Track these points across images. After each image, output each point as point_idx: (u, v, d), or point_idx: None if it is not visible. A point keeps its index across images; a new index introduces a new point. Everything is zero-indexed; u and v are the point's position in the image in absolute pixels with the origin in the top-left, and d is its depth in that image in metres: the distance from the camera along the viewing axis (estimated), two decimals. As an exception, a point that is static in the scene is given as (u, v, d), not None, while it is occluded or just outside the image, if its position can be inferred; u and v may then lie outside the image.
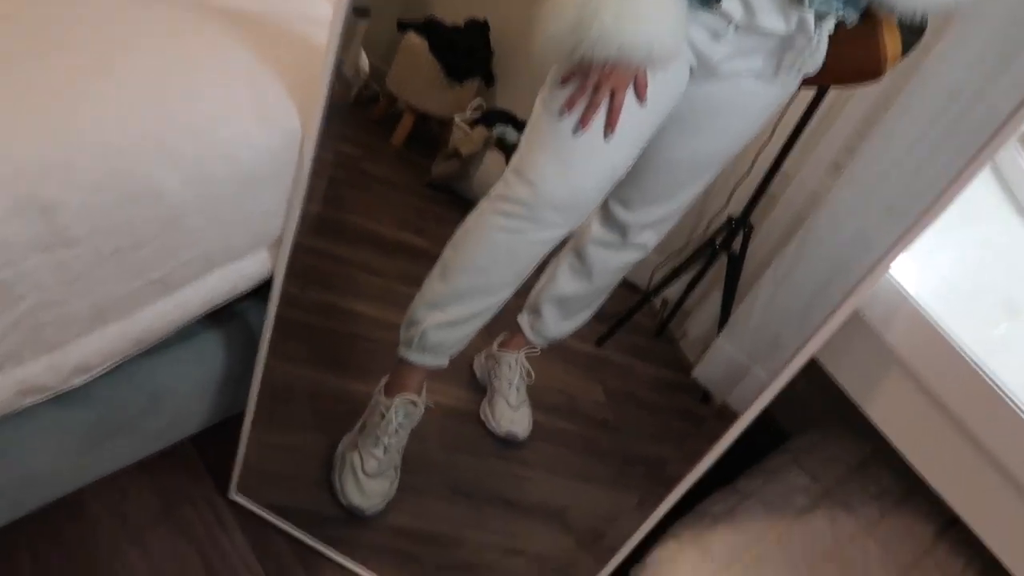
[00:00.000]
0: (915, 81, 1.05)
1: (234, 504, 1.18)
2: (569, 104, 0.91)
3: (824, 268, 1.20)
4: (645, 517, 0.98)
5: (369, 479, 1.18)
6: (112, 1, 0.82)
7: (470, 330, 1.15)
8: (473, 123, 1.53)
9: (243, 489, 1.18)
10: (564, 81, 0.92)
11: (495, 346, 1.38)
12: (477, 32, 1.51)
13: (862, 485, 1.11)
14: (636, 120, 0.94)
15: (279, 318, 1.01)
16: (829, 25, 0.93)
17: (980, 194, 1.30)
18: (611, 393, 1.49)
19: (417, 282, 1.39)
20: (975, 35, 0.99)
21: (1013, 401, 0.85)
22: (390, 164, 1.64)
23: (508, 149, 1.50)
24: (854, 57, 0.98)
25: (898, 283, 0.93)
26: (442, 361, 1.17)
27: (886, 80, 0.99)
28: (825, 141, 1.27)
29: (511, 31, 1.50)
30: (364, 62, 1.17)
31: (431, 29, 1.49)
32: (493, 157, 1.55)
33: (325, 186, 0.96)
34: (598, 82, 0.89)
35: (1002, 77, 0.90)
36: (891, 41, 0.95)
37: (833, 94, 1.18)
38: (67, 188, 0.67)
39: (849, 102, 1.22)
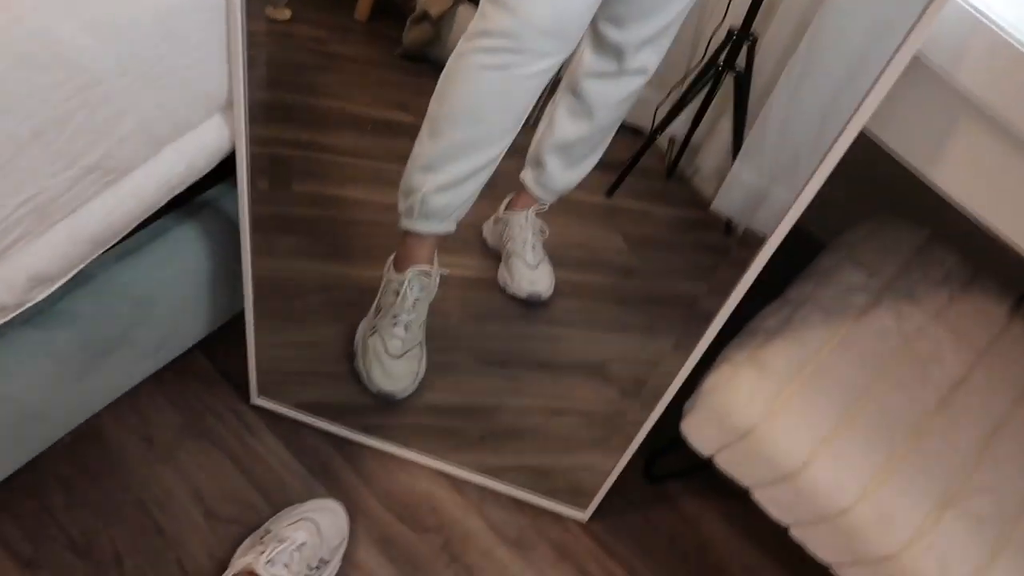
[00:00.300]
0: None
1: (258, 408, 1.13)
2: None
3: (842, 65, 1.10)
4: (686, 356, 0.93)
5: (395, 361, 1.12)
6: None
7: (473, 188, 1.07)
8: (439, -21, 1.41)
9: (265, 392, 1.12)
10: None
11: (502, 209, 1.29)
12: None
13: (924, 272, 1.03)
14: None
15: (271, 217, 0.93)
16: None
17: None
18: (631, 240, 1.42)
19: (407, 158, 1.29)
20: None
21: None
22: (358, 41, 1.52)
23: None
24: None
25: (971, 5, 0.80)
26: (450, 226, 1.09)
27: None
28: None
29: None
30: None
31: None
32: (465, 13, 1.43)
33: (265, 31, 0.85)
34: None
35: None
36: None
37: None
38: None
39: None
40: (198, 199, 0.98)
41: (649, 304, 1.36)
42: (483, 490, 1.14)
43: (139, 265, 0.91)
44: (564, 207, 1.33)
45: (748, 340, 0.95)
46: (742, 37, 1.27)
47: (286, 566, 0.91)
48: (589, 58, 1.12)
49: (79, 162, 0.68)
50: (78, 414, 0.98)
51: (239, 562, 0.91)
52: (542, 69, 0.97)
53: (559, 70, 1.15)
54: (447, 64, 1.00)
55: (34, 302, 0.76)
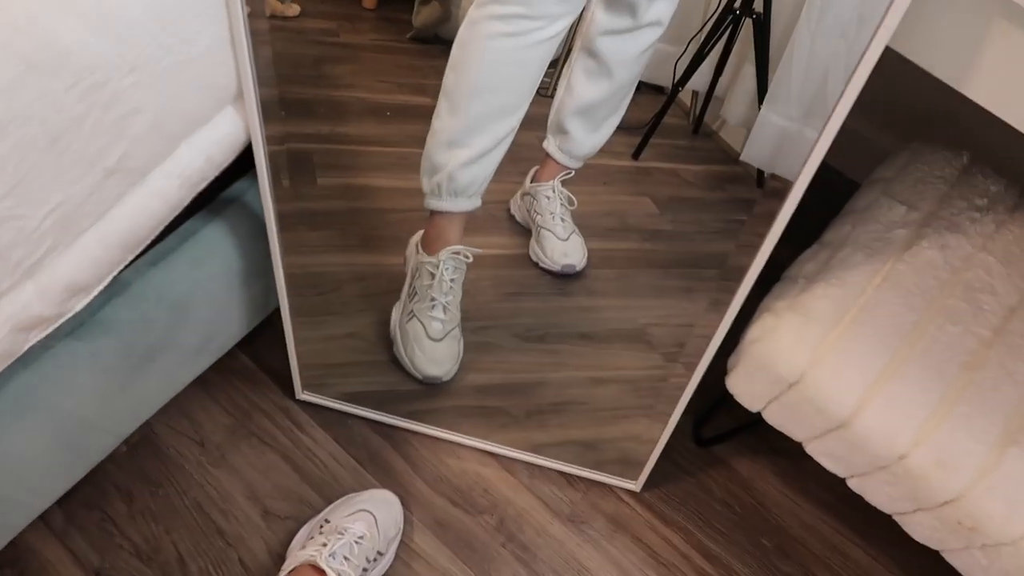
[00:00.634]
0: None
1: (304, 403, 1.14)
2: None
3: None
4: (723, 314, 0.90)
5: (437, 344, 1.12)
6: None
7: (497, 158, 1.06)
8: (442, -46, 1.39)
9: (309, 386, 1.13)
10: None
11: (527, 182, 1.28)
12: None
13: (967, 200, 0.98)
14: None
15: (297, 212, 0.92)
16: None
17: None
18: (661, 202, 1.39)
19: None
20: None
21: None
22: (369, 29, 1.52)
23: (486, -27, 1.36)
24: None
25: None
26: (476, 202, 1.08)
27: None
28: None
29: None
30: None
31: None
32: (472, -12, 1.41)
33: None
34: None
35: None
36: None
37: None
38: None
39: None
40: (222, 196, 0.99)
41: (685, 265, 1.33)
42: (532, 467, 1.14)
43: (173, 268, 0.92)
44: (591, 173, 1.31)
45: (788, 287, 0.92)
46: (758, -22, 1.23)
47: (347, 559, 0.91)
48: (602, 16, 1.09)
49: (98, 165, 0.68)
50: (129, 422, 0.99)
51: (300, 555, 0.92)
52: (556, 32, 0.96)
53: (571, 34, 1.13)
54: (459, 34, 0.98)
55: (73, 312, 0.77)
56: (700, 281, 1.31)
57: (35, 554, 0.97)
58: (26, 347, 0.74)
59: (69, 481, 0.95)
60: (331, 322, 1.18)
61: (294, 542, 1.00)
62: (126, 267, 0.83)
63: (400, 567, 1.02)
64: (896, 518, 0.93)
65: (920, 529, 0.91)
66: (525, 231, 1.30)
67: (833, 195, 1.13)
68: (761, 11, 1.25)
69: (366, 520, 0.97)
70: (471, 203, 1.08)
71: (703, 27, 1.29)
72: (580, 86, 1.16)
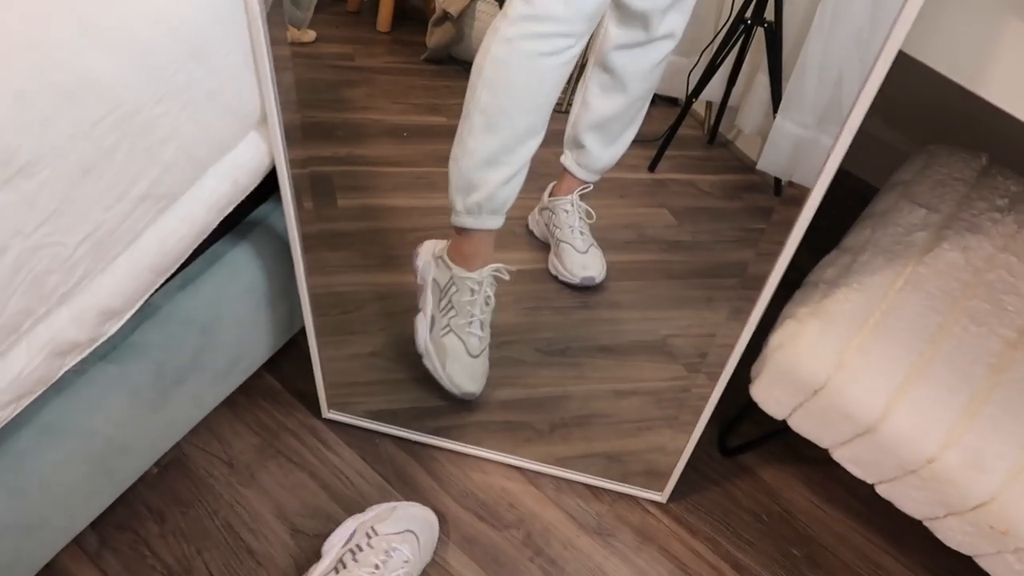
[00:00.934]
0: None
1: (330, 422, 1.15)
2: None
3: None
4: (744, 323, 0.90)
5: (475, 360, 1.13)
6: None
7: (525, 175, 1.07)
8: (453, -22, 1.42)
9: (334, 406, 1.14)
10: None
11: (545, 197, 1.29)
12: None
13: (987, 200, 0.98)
14: None
15: (319, 234, 0.94)
16: None
17: None
18: (678, 213, 1.40)
19: (447, 160, 1.30)
20: None
21: None
22: (383, 52, 1.54)
23: (498, -7, 1.38)
24: None
25: None
26: (503, 219, 1.09)
27: None
28: None
29: None
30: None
31: None
32: (484, 8, 1.44)
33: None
34: None
35: None
36: None
37: None
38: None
39: None
40: (247, 219, 1.01)
41: (704, 275, 1.33)
42: (558, 481, 1.14)
43: (200, 291, 0.93)
44: (607, 187, 1.31)
45: (809, 293, 0.92)
46: (768, -11, 1.24)
47: None
48: (615, 32, 1.11)
49: (129, 193, 0.70)
50: (160, 444, 1.01)
51: (356, 571, 0.93)
52: (581, 50, 0.98)
53: (585, 49, 1.14)
54: (492, 53, 0.97)
55: (106, 336, 0.78)
56: (720, 290, 1.31)
57: (70, 576, 0.99)
58: (61, 372, 0.76)
59: (102, 503, 0.97)
60: (354, 341, 1.19)
61: (336, 538, 1.00)
62: (156, 291, 0.85)
63: (429, 583, 1.03)
64: (927, 524, 0.93)
65: (952, 534, 0.90)
66: (544, 246, 1.31)
67: (851, 200, 1.14)
68: (773, 20, 1.25)
69: (411, 543, 0.98)
70: (501, 220, 1.09)
71: (715, 38, 1.30)
72: (595, 101, 1.17)
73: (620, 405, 1.19)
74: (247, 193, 0.85)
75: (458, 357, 1.12)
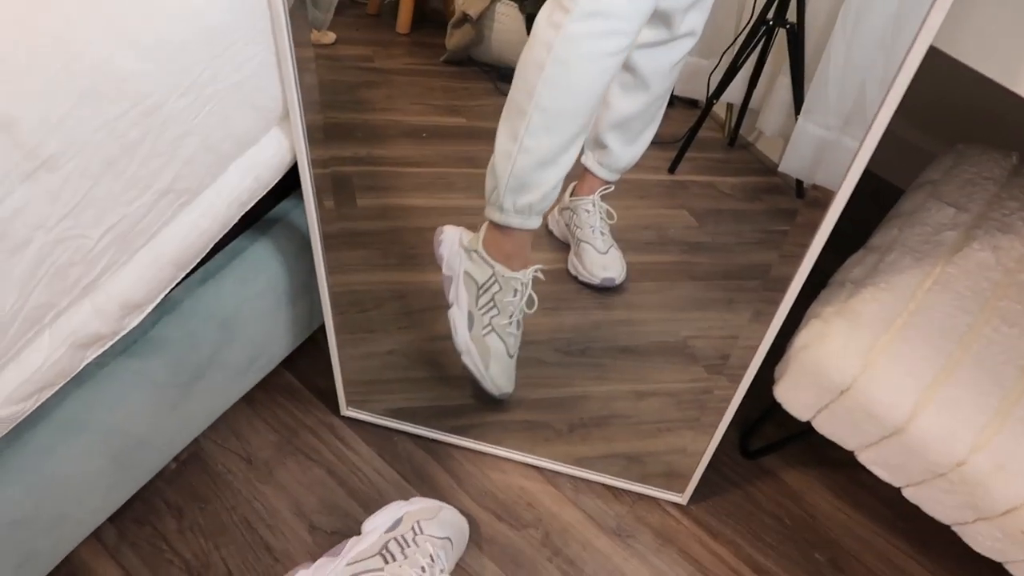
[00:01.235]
0: None
1: (349, 419, 1.15)
2: None
3: None
4: (767, 325, 0.89)
5: (512, 361, 1.13)
6: None
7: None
8: (472, -20, 1.42)
9: (353, 403, 1.14)
10: None
11: (566, 197, 1.28)
12: None
13: (1018, 200, 0.96)
14: None
15: (340, 233, 0.93)
16: None
17: None
18: (699, 214, 1.39)
19: (466, 161, 1.31)
20: None
21: None
22: (403, 54, 1.54)
23: (519, -8, 1.38)
24: None
25: None
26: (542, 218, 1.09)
27: None
28: None
29: None
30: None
31: None
32: (504, 9, 1.44)
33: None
34: None
35: None
36: None
37: None
38: (14, 96, 0.58)
39: None
40: (267, 216, 1.01)
41: (725, 277, 1.32)
42: (577, 481, 1.13)
43: (221, 287, 0.93)
44: (627, 188, 1.31)
45: (835, 293, 0.91)
46: (790, -11, 1.23)
47: None
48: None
49: (152, 187, 0.70)
50: (179, 439, 1.01)
51: (399, 571, 0.92)
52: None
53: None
54: (556, 50, 0.93)
55: (127, 330, 0.78)
56: (741, 292, 1.30)
57: (89, 570, 0.99)
58: (83, 364, 0.76)
59: (121, 498, 0.97)
60: (373, 339, 1.19)
61: (379, 519, 0.98)
62: (176, 285, 0.85)
63: (447, 583, 1.02)
64: (955, 529, 0.91)
65: (981, 540, 0.88)
66: (563, 246, 1.30)
67: (875, 200, 1.12)
68: (795, 21, 1.24)
69: (447, 550, 0.98)
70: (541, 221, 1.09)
71: (736, 39, 1.29)
72: (617, 100, 1.17)
73: (640, 406, 1.18)
74: (268, 189, 0.85)
75: (500, 358, 1.11)
